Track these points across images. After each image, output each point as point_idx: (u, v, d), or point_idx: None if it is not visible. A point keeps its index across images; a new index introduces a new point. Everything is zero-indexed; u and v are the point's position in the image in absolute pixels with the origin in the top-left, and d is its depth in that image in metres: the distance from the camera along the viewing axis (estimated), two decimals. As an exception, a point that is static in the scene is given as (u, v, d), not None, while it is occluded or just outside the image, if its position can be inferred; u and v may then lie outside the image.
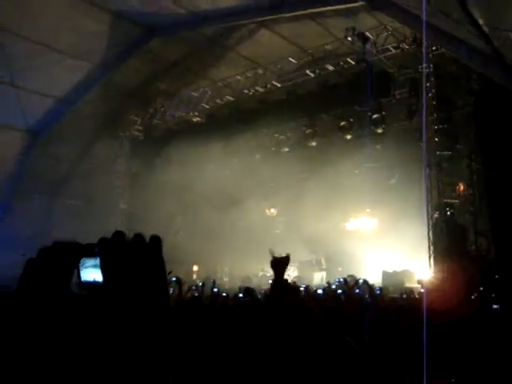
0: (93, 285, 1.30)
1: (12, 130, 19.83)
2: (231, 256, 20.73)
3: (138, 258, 1.18)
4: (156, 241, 1.23)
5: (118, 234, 1.21)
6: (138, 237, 1.20)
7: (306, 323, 3.57)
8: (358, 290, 10.75)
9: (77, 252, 1.26)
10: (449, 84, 16.43)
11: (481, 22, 7.53)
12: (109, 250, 1.18)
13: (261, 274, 19.32)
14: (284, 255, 4.19)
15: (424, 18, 8.21)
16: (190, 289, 10.19)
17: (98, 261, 1.26)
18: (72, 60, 18.12)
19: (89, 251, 1.28)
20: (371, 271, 17.49)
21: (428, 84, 16.10)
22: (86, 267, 1.30)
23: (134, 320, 1.15)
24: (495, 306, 6.14)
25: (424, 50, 15.84)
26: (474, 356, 4.14)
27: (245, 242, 19.05)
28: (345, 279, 12.55)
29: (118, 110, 22.97)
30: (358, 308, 6.54)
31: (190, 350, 3.66)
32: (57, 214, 21.64)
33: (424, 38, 15.08)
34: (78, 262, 1.28)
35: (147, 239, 1.24)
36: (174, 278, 6.77)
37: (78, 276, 1.31)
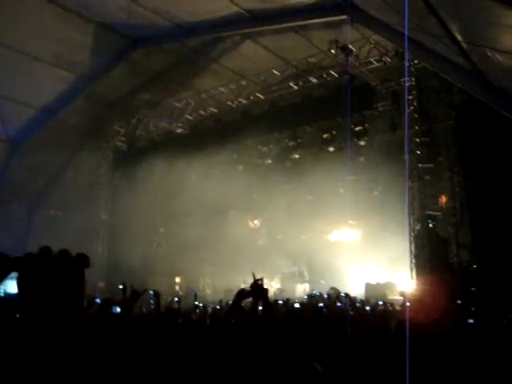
0: (12, 297, 1.26)
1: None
2: (214, 267, 20.67)
3: (57, 274, 1.16)
4: (80, 259, 1.21)
5: (45, 250, 1.19)
6: (63, 253, 1.19)
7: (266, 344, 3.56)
8: (339, 304, 10.77)
9: (5, 264, 1.23)
10: (430, 97, 16.60)
11: (459, 38, 7.62)
12: (27, 265, 1.16)
13: (243, 285, 19.27)
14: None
15: (406, 33, 8.29)
16: (172, 300, 10.13)
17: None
18: (55, 70, 18.03)
19: (16, 265, 1.25)
20: (354, 283, 17.52)
21: (410, 97, 16.26)
22: (11, 279, 1.27)
23: (40, 331, 1.12)
24: (470, 321, 6.17)
25: (406, 64, 16.00)
26: (449, 369, 4.14)
27: (228, 253, 18.98)
28: (328, 294, 12.56)
29: (101, 121, 22.86)
30: (340, 322, 6.53)
31: (159, 363, 3.62)
32: (36, 224, 21.43)
33: (406, 54, 15.23)
34: (7, 274, 1.24)
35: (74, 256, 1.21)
36: (151, 292, 6.70)
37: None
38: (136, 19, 16.50)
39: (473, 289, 10.84)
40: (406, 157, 15.41)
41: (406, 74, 15.56)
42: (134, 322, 4.75)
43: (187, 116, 21.99)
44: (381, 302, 11.03)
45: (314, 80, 18.83)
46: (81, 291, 1.12)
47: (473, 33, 7.50)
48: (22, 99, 18.81)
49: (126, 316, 4.64)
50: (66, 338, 1.07)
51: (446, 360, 4.35)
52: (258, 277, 4.04)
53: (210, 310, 9.95)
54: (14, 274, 1.09)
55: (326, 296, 13.39)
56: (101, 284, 21.16)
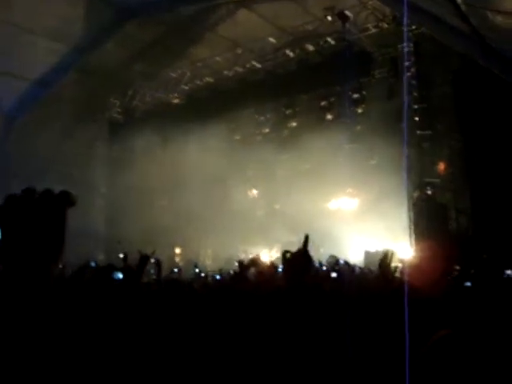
0: None
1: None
2: (213, 238, 20.71)
3: (38, 214, 1.12)
4: (63, 196, 1.16)
5: (28, 191, 1.14)
6: (45, 193, 1.14)
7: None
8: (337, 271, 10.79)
9: None
10: (428, 63, 16.44)
11: (458, 0, 7.50)
12: (9, 208, 1.11)
13: (243, 255, 19.33)
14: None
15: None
16: (171, 271, 10.15)
17: None
18: (48, 42, 17.77)
19: None
20: (353, 251, 17.58)
21: (407, 63, 16.10)
22: None
23: (19, 275, 1.08)
24: (467, 284, 6.20)
25: (405, 28, 15.79)
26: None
27: (227, 224, 19.01)
28: (320, 262, 12.55)
29: (97, 93, 22.64)
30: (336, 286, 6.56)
31: (165, 337, 3.62)
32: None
33: (405, 17, 15.03)
34: None
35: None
36: (152, 260, 6.69)
37: None
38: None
39: (484, 256, 10.87)
40: (404, 124, 15.31)
41: (405, 36, 15.39)
42: (141, 290, 4.72)
43: (183, 86, 21.80)
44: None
45: (311, 47, 18.66)
46: (61, 230, 1.10)
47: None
48: (15, 73, 18.58)
49: (134, 282, 4.60)
50: (46, 279, 1.04)
51: (442, 321, 4.36)
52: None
53: (210, 279, 9.99)
54: None
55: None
56: (100, 257, 21.22)
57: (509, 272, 8.34)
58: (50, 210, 1.10)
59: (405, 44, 16.05)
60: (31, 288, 1.07)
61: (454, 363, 1.95)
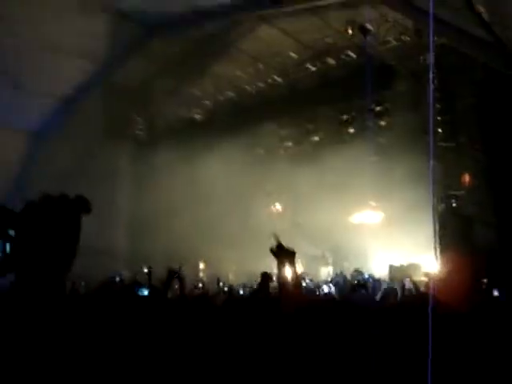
0: None
1: (13, 131, 19.78)
2: (237, 253, 20.67)
3: (54, 222, 1.10)
4: (79, 202, 1.15)
5: (45, 197, 1.13)
6: (62, 198, 1.13)
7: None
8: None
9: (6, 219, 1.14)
10: (450, 74, 16.31)
11: (481, 9, 7.44)
12: (27, 217, 1.10)
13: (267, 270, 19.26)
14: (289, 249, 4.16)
15: (431, 9, 8.10)
16: (195, 287, 10.15)
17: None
18: (73, 60, 18.08)
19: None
20: (378, 265, 17.42)
21: (431, 75, 15.98)
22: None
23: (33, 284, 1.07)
24: (496, 294, 6.11)
25: (431, 39, 15.70)
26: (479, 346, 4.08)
27: (250, 238, 18.98)
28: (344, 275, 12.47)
29: (120, 110, 22.90)
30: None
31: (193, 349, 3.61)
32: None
33: (431, 30, 14.95)
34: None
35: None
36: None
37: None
38: (152, 7, 16.48)
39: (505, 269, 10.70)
40: (430, 136, 15.16)
41: (431, 49, 15.27)
42: (167, 305, 4.73)
43: (205, 102, 21.94)
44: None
45: (332, 61, 18.66)
46: (76, 236, 1.09)
47: (495, 3, 7.32)
48: (42, 90, 18.91)
49: (161, 298, 4.61)
50: (60, 287, 1.03)
51: (472, 337, 4.28)
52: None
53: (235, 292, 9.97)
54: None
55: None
56: (125, 273, 21.33)
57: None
58: (65, 216, 1.09)
59: (431, 53, 15.92)
60: (45, 298, 1.06)
61: None
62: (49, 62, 17.23)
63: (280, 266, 3.87)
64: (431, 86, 15.28)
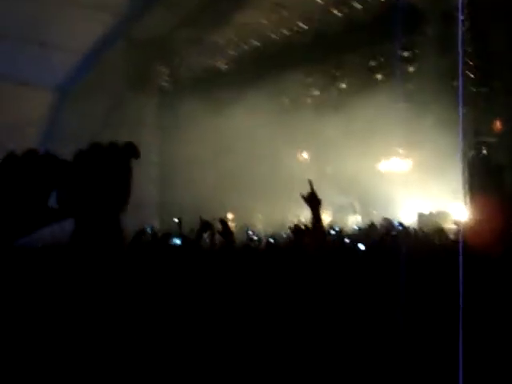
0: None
1: (39, 89, 19.85)
2: (265, 203, 20.77)
3: (104, 169, 1.10)
4: (128, 148, 1.14)
5: (95, 146, 1.12)
6: (111, 145, 1.11)
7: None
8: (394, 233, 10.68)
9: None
10: (483, 15, 15.74)
11: None
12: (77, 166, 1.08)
13: (296, 219, 19.34)
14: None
15: None
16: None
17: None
18: (93, 13, 17.90)
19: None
20: (407, 213, 17.35)
21: (462, 17, 15.46)
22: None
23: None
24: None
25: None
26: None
27: (278, 188, 19.01)
28: (372, 222, 12.43)
29: (144, 62, 22.78)
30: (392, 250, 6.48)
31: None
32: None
33: None
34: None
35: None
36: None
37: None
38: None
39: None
40: (460, 81, 14.78)
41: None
42: (201, 255, 4.77)
43: (230, 51, 21.67)
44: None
45: (358, 6, 18.17)
46: (128, 180, 1.08)
47: None
48: (64, 45, 18.84)
49: (195, 247, 4.65)
50: (118, 229, 1.03)
51: (505, 282, 4.26)
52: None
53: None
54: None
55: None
56: (155, 223, 21.65)
57: None
58: (115, 162, 1.09)
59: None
60: (106, 243, 1.07)
61: None
62: (70, 16, 17.09)
63: (314, 211, 3.89)
64: (460, 27, 14.82)
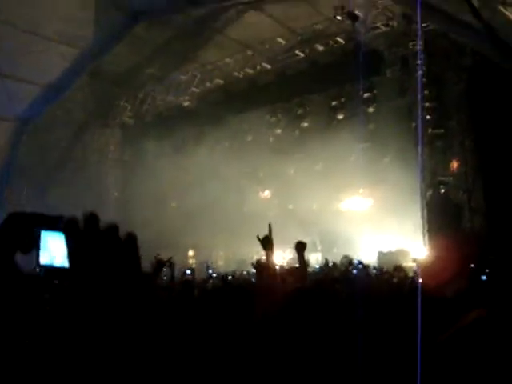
0: (55, 269, 1.16)
1: (1, 118, 19.56)
2: (226, 239, 20.68)
3: (111, 250, 1.04)
4: (132, 238, 1.09)
5: (92, 217, 1.05)
6: (113, 228, 1.05)
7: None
8: (355, 271, 10.75)
9: (34, 222, 1.10)
10: (440, 61, 16.31)
11: (470, -6, 7.42)
12: (79, 232, 1.03)
13: (255, 257, 19.24)
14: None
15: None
16: (184, 273, 10.14)
17: (61, 238, 1.10)
18: (59, 46, 17.83)
19: (50, 224, 1.12)
20: (367, 251, 17.48)
21: (418, 61, 15.99)
22: (45, 244, 1.14)
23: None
24: (483, 278, 6.14)
25: (418, 25, 15.70)
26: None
27: (239, 225, 18.97)
28: (334, 262, 12.53)
29: (108, 97, 22.74)
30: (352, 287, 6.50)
31: (180, 337, 3.59)
32: (48, 203, 21.46)
33: (418, 14, 14.99)
34: (35, 233, 1.10)
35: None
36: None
37: (37, 255, 1.16)
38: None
39: (491, 257, 10.77)
40: (419, 122, 15.19)
41: (419, 34, 15.27)
42: (155, 293, 4.73)
43: (194, 89, 21.84)
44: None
45: (321, 47, 18.61)
46: (140, 275, 1.06)
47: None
48: (27, 77, 18.66)
49: (149, 286, 4.60)
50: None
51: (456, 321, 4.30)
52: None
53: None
54: (48, 237, 0.97)
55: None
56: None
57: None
58: (123, 250, 1.04)
59: (418, 42, 15.93)
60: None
61: (488, 347, 1.86)
62: (35, 49, 16.99)
63: (267, 253, 4.01)
64: (419, 72, 15.30)
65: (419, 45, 16.05)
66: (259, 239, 4.14)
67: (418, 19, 14.96)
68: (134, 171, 22.06)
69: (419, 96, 15.63)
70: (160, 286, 5.70)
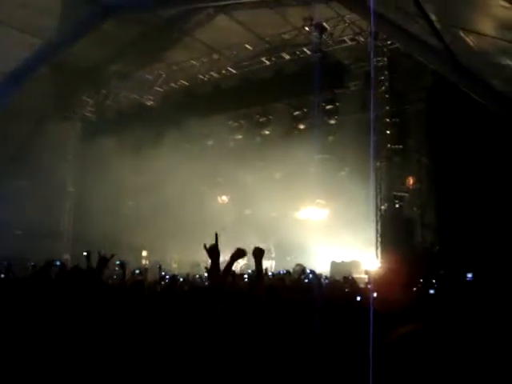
0: None
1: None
2: (181, 242, 20.57)
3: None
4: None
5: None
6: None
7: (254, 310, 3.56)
8: (306, 280, 10.85)
9: None
10: (402, 78, 16.66)
11: (433, 17, 7.62)
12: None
13: (209, 261, 19.20)
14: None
15: (371, 7, 8.28)
16: (132, 273, 10.06)
17: None
18: (21, 35, 17.51)
19: None
20: (320, 261, 17.68)
21: (381, 78, 16.32)
22: None
23: None
24: (431, 291, 6.33)
25: (371, 40, 16.07)
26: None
27: (195, 228, 18.91)
28: (288, 270, 12.62)
29: (70, 90, 22.36)
30: (303, 295, 6.59)
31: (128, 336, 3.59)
32: (4, 196, 20.94)
33: (372, 28, 15.38)
34: None
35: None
36: (117, 262, 6.66)
37: None
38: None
39: (436, 274, 11.07)
40: (372, 137, 15.42)
41: (372, 50, 15.61)
42: (102, 291, 4.72)
43: (158, 88, 21.74)
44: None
45: (287, 56, 18.78)
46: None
47: (447, 13, 7.52)
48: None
49: (95, 283, 4.59)
50: None
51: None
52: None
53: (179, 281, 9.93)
54: None
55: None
56: (66, 256, 20.93)
57: (469, 275, 8.53)
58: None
59: (374, 58, 16.24)
60: None
61: (422, 359, 1.93)
62: (-4, 36, 16.63)
63: (213, 262, 4.11)
64: (372, 88, 15.60)
65: (381, 61, 16.38)
66: (206, 248, 4.19)
67: (372, 31, 15.31)
68: (91, 167, 21.71)
69: (372, 113, 15.87)
70: (110, 285, 5.65)
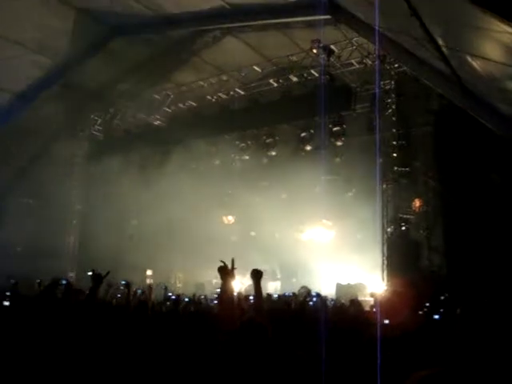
0: None
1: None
2: (186, 262, 20.55)
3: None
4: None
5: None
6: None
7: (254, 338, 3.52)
8: (311, 302, 10.76)
9: None
10: (409, 102, 16.70)
11: (440, 42, 7.67)
12: None
13: (214, 281, 19.18)
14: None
15: (376, 29, 8.34)
16: (135, 292, 9.99)
17: None
18: (33, 56, 17.70)
19: None
20: (325, 283, 17.58)
21: (388, 100, 16.37)
22: None
23: None
24: (436, 317, 6.25)
25: (377, 63, 16.16)
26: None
27: (200, 248, 18.89)
28: (294, 293, 12.54)
29: (78, 110, 22.52)
30: (310, 318, 6.54)
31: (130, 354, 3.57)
32: (9, 213, 21.02)
33: (376, 51, 15.50)
34: None
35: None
36: (123, 282, 6.63)
37: None
38: (118, 7, 16.34)
39: (442, 297, 10.96)
40: (377, 159, 15.41)
41: (377, 72, 15.68)
42: (97, 309, 4.69)
43: (166, 108, 21.85)
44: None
45: (295, 78, 18.87)
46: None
47: (454, 38, 7.56)
48: (-2, 85, 18.42)
49: (89, 302, 4.56)
50: None
51: (413, 357, 4.37)
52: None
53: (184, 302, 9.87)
54: None
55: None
56: (71, 274, 20.91)
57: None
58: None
59: (377, 81, 16.31)
60: None
61: None
62: (9, 56, 16.79)
63: (223, 285, 4.09)
64: (377, 111, 15.63)
65: (388, 84, 16.44)
66: (222, 269, 4.21)
67: (376, 53, 15.39)
68: (98, 185, 21.78)
69: (377, 135, 15.85)
70: (114, 305, 5.62)
